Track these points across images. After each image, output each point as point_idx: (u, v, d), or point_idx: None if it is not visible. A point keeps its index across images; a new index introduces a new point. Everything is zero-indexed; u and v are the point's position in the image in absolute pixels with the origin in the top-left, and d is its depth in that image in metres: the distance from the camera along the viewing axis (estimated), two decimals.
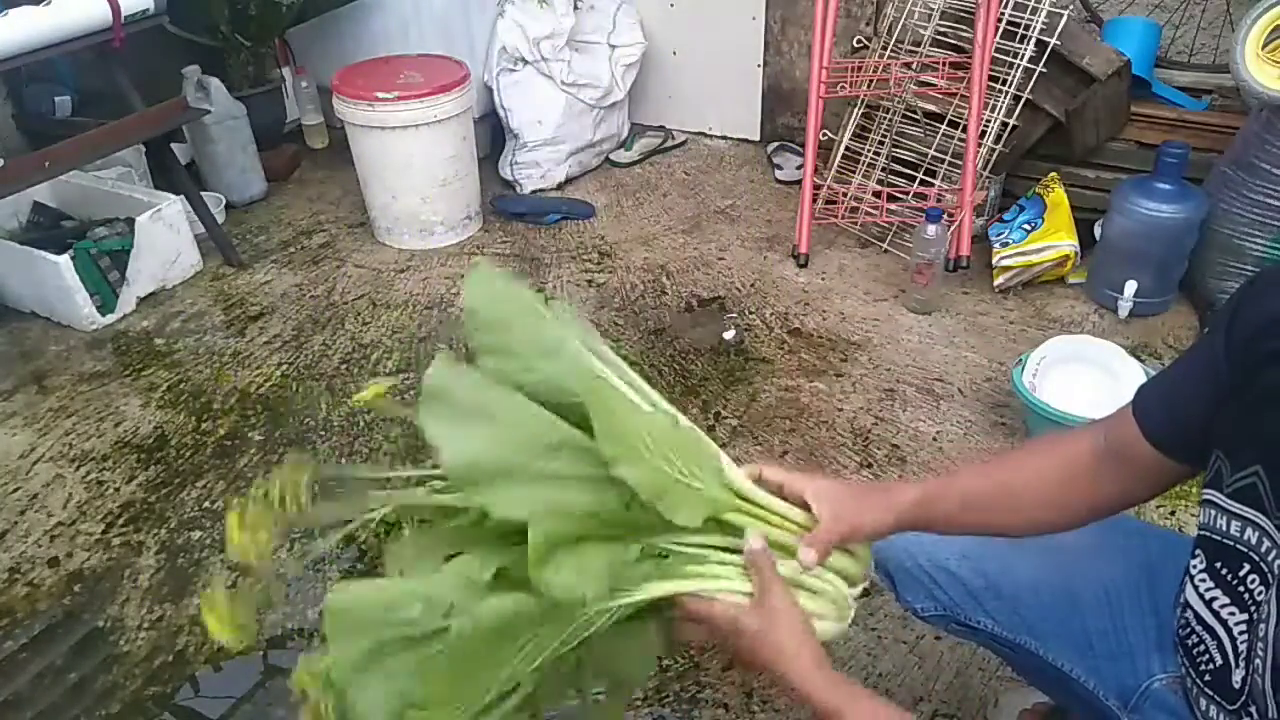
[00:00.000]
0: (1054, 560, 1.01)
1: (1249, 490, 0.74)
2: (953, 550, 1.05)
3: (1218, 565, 0.79)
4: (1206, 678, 0.81)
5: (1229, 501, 0.77)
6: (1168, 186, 2.20)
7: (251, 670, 1.55)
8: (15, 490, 1.94)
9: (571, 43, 3.06)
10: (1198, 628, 0.82)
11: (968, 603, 1.05)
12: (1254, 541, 0.74)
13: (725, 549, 0.82)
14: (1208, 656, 0.81)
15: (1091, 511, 0.92)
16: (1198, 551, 0.82)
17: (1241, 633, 0.77)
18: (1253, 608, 0.76)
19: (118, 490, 1.93)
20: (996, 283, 2.45)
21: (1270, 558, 0.73)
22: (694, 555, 0.81)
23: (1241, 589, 0.77)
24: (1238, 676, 0.76)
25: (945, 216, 2.41)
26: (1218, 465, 0.79)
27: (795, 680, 0.78)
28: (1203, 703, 0.81)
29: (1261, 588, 0.74)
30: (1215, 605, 0.80)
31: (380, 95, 2.56)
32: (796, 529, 0.85)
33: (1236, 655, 0.77)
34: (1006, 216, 2.54)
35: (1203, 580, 0.81)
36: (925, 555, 1.07)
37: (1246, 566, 0.75)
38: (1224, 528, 0.77)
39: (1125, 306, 2.31)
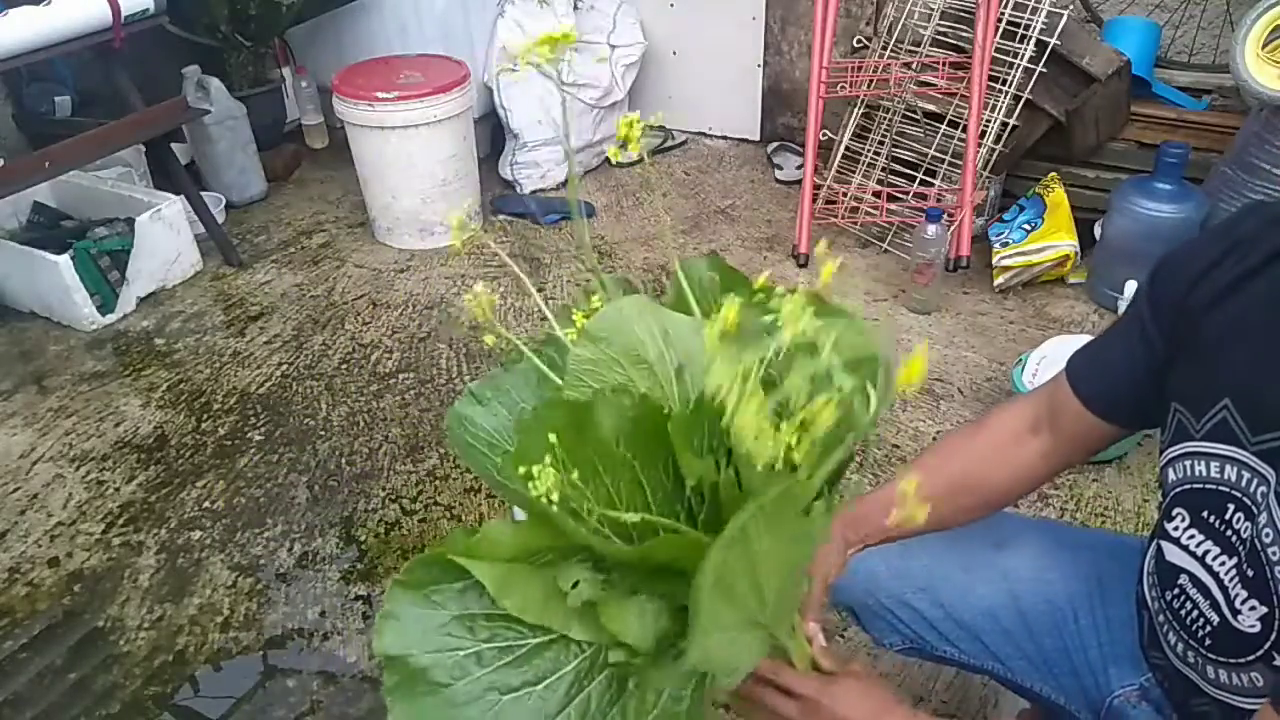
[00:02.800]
0: (1006, 584, 1.01)
1: (1220, 427, 0.75)
2: (910, 584, 1.04)
3: (1204, 514, 0.78)
4: (1208, 642, 0.79)
5: (1204, 444, 0.77)
6: (1168, 186, 2.20)
7: (251, 670, 1.54)
8: (15, 490, 1.94)
9: None
10: (1191, 590, 0.81)
11: (931, 635, 1.04)
12: (1234, 478, 0.75)
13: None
14: (1202, 620, 0.79)
15: (1014, 480, 0.94)
16: (1176, 512, 0.81)
17: (1233, 579, 0.76)
18: (1241, 548, 0.75)
19: (118, 490, 1.93)
20: (996, 283, 2.45)
21: (1253, 488, 0.73)
22: None
23: (1229, 532, 0.76)
24: (1250, 619, 0.74)
25: (945, 216, 2.41)
26: (1178, 419, 0.80)
27: None
28: (1210, 671, 0.79)
29: (1247, 524, 0.74)
30: (1208, 559, 0.78)
31: (380, 95, 2.56)
32: None
33: (1231, 602, 0.76)
34: (1006, 216, 2.54)
35: (1191, 537, 0.80)
36: (884, 592, 1.05)
37: (1231, 506, 0.75)
38: (1204, 472, 0.77)
39: (1125, 306, 2.31)
